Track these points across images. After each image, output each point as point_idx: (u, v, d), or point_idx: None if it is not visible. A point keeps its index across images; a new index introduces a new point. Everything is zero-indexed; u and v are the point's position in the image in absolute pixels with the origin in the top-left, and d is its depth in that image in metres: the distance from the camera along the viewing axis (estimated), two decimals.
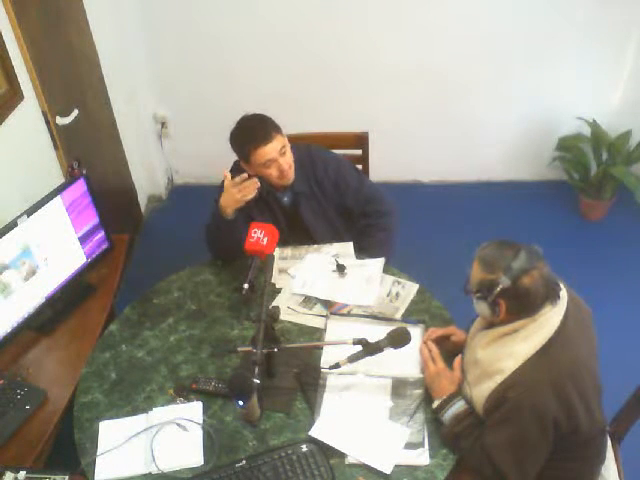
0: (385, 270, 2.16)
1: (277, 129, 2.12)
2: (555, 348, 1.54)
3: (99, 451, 1.67)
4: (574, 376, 1.54)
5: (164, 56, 3.53)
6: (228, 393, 1.74)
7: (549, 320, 1.55)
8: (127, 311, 2.11)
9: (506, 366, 1.56)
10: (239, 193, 2.06)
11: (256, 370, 1.55)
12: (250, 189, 2.07)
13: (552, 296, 1.56)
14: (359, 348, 1.71)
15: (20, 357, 2.04)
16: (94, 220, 2.29)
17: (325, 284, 2.12)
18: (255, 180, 2.07)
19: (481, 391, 1.61)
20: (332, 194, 2.28)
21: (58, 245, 2.15)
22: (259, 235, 1.89)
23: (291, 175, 2.18)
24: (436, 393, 1.71)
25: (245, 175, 2.06)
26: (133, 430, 1.71)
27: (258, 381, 1.52)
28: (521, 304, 1.55)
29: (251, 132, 2.11)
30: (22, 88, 2.35)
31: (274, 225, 1.99)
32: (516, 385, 1.53)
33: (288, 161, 2.14)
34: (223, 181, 2.11)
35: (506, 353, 1.58)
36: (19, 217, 1.98)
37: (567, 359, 1.55)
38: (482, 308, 1.61)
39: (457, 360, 1.75)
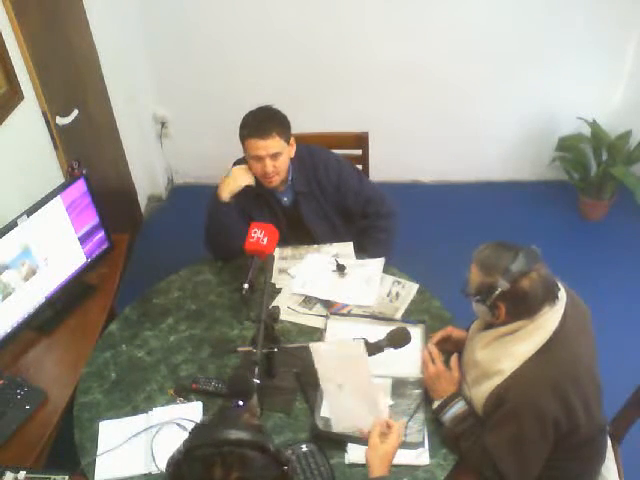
0: (385, 270, 2.16)
1: (282, 132, 2.09)
2: (554, 348, 1.54)
3: (99, 451, 1.67)
4: (573, 376, 1.54)
5: (164, 56, 3.53)
6: (228, 393, 1.74)
7: (548, 321, 1.55)
8: (127, 311, 2.11)
9: (505, 367, 1.56)
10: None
11: (256, 370, 1.54)
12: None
13: (551, 297, 1.56)
14: None
15: (20, 357, 2.04)
16: (94, 220, 2.29)
17: (325, 284, 2.12)
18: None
19: (480, 392, 1.61)
20: (332, 194, 2.28)
21: (58, 245, 2.15)
22: (259, 235, 1.89)
23: (274, 181, 2.17)
24: (436, 394, 1.71)
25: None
26: (133, 430, 1.71)
27: (258, 381, 1.52)
28: (520, 306, 1.54)
29: (253, 121, 2.11)
30: (22, 88, 2.34)
31: (274, 225, 1.99)
32: (516, 386, 1.53)
33: (277, 166, 2.12)
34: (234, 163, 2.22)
35: (505, 354, 1.58)
36: (19, 217, 1.98)
37: (566, 359, 1.55)
38: (481, 310, 1.61)
39: (453, 360, 1.75)
